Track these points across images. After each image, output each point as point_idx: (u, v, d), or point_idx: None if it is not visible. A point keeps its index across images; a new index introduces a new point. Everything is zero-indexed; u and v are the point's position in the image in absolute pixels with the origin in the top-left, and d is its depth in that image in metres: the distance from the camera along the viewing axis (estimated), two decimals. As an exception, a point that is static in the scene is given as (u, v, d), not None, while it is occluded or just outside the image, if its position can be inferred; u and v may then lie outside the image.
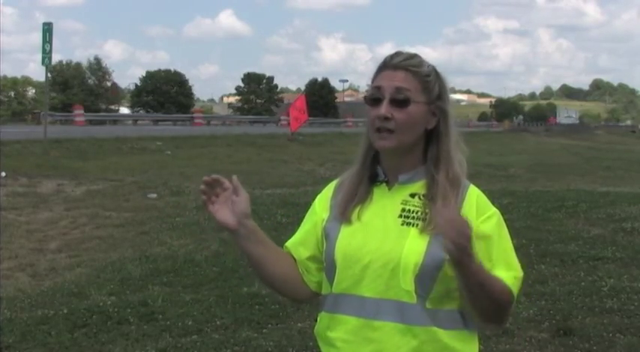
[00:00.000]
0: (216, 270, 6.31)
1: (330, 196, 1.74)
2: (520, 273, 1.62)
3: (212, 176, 1.64)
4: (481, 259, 1.54)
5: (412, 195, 1.63)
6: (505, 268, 1.59)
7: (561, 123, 79.67)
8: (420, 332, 1.56)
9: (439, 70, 1.67)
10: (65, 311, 5.07)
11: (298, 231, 1.79)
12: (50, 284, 6.12)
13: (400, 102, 1.60)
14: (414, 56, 1.64)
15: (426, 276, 1.55)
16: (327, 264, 1.67)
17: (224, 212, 1.64)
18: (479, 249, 1.53)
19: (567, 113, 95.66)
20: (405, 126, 1.60)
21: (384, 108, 1.59)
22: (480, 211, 1.61)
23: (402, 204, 1.63)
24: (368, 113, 1.64)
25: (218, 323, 4.86)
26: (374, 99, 1.62)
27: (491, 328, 1.63)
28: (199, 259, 6.74)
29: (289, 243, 1.77)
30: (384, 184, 1.67)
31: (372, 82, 1.66)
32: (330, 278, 1.65)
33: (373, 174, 1.68)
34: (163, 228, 8.53)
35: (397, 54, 1.65)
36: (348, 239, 1.63)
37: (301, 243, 1.75)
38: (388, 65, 1.63)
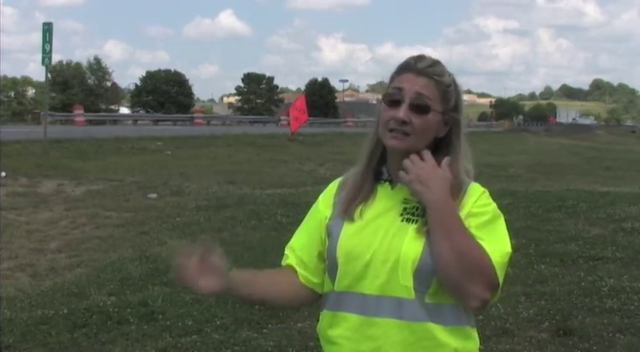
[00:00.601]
0: (216, 270, 6.30)
1: (333, 194, 1.74)
2: (507, 249, 1.57)
3: (179, 252, 1.59)
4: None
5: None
6: (492, 243, 1.55)
7: (582, 123, 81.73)
8: (418, 329, 1.56)
9: (456, 78, 1.67)
10: (65, 311, 5.07)
11: (301, 230, 1.78)
12: (50, 284, 6.12)
13: (420, 108, 1.59)
14: (438, 63, 1.63)
15: (424, 271, 1.55)
16: (329, 261, 1.67)
17: (204, 279, 1.57)
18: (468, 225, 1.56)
19: (583, 115, 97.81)
20: (420, 133, 1.60)
21: (402, 112, 1.58)
22: (478, 202, 1.61)
23: (403, 202, 1.63)
24: (383, 112, 1.62)
25: (218, 323, 4.86)
26: (393, 100, 1.61)
27: (469, 306, 1.58)
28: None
29: (297, 246, 1.76)
30: (388, 183, 1.67)
31: (391, 81, 1.64)
32: (332, 276, 1.66)
33: (377, 172, 1.68)
34: (163, 228, 8.53)
35: (421, 58, 1.64)
36: (349, 237, 1.63)
37: (309, 243, 1.74)
38: (412, 68, 1.62)
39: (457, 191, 1.61)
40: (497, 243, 1.56)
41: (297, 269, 1.73)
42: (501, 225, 1.61)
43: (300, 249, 1.74)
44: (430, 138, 1.63)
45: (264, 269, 1.77)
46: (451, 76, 1.64)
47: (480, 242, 1.54)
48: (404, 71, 1.63)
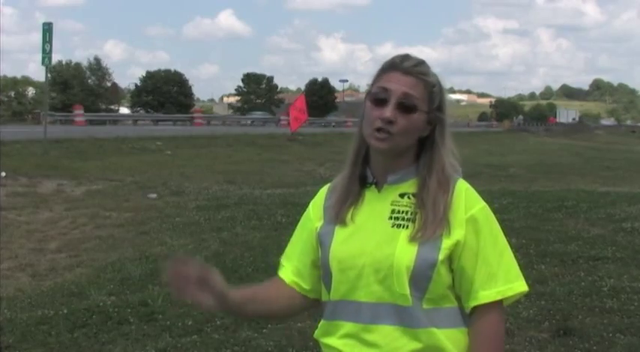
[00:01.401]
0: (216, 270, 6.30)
1: (323, 201, 1.73)
2: (506, 286, 1.63)
3: (173, 264, 1.61)
4: (464, 266, 1.58)
5: (401, 195, 1.62)
6: (506, 280, 1.62)
7: (605, 125, 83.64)
8: (420, 334, 1.56)
9: (440, 78, 1.66)
10: (65, 311, 5.07)
11: (295, 239, 1.78)
12: (50, 284, 6.12)
13: (407, 108, 1.58)
14: (423, 63, 1.62)
15: (419, 278, 1.55)
16: (323, 271, 1.66)
17: (202, 294, 1.59)
18: (465, 247, 1.57)
19: (610, 118, 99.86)
20: (405, 132, 1.58)
21: (389, 111, 1.56)
22: (468, 205, 1.61)
23: (391, 205, 1.62)
24: (368, 111, 1.61)
25: (218, 323, 4.86)
26: (379, 99, 1.59)
27: None
28: (199, 259, 6.73)
29: (292, 255, 1.76)
30: (374, 186, 1.66)
31: (376, 79, 1.63)
32: (328, 286, 1.65)
33: (362, 175, 1.67)
34: (163, 228, 8.53)
35: (407, 57, 1.62)
36: (341, 244, 1.62)
37: (303, 251, 1.74)
38: (398, 68, 1.60)
39: (446, 186, 1.60)
40: (501, 279, 1.63)
41: (292, 278, 1.74)
42: (499, 232, 1.63)
43: (296, 258, 1.75)
44: (414, 138, 1.62)
45: (258, 285, 1.78)
46: (435, 76, 1.63)
47: (495, 282, 1.60)
48: (390, 70, 1.61)
